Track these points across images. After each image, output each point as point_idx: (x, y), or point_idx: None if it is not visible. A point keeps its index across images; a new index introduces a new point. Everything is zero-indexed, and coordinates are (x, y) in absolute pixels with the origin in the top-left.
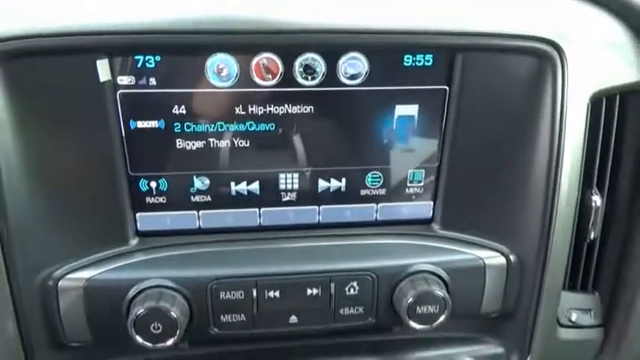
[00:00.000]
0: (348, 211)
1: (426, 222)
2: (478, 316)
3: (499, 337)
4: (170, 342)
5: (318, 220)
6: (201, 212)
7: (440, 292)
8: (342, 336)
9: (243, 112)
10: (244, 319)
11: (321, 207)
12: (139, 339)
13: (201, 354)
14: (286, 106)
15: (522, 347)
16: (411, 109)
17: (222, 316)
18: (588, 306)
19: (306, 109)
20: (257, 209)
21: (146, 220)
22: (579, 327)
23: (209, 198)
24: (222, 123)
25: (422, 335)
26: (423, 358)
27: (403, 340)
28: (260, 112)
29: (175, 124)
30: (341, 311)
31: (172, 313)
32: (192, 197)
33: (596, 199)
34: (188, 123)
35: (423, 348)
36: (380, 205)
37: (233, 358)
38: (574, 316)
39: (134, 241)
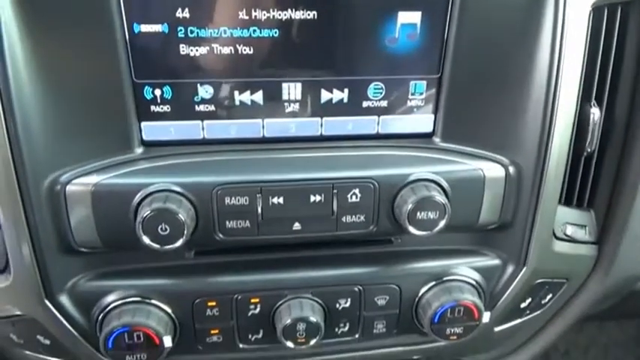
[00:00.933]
0: (350, 124)
1: (427, 135)
2: (476, 228)
3: (496, 249)
4: (177, 244)
5: (321, 132)
6: (205, 122)
7: (440, 197)
8: (342, 247)
9: (247, 17)
10: (249, 225)
11: (324, 119)
12: (146, 240)
13: (205, 263)
14: (290, 11)
15: (518, 258)
16: (414, 17)
17: (227, 222)
18: (583, 222)
19: (309, 15)
20: (260, 120)
21: (151, 129)
22: (574, 241)
23: (213, 107)
24: (226, 28)
25: (420, 247)
26: (421, 269)
27: (402, 251)
28: (264, 17)
29: (179, 28)
30: (343, 219)
31: (179, 215)
32: (196, 106)
33: (595, 112)
34: (192, 28)
35: (421, 260)
36: (382, 117)
37: (236, 269)
38: (569, 230)
39: (139, 150)
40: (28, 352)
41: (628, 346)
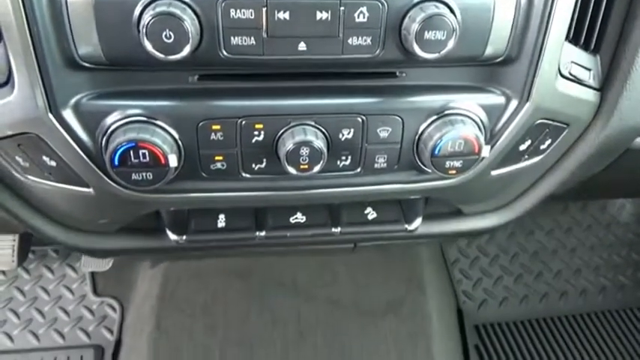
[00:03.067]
0: None
1: None
2: (481, 60)
3: (500, 86)
4: (182, 53)
5: None
6: None
7: (449, 16)
8: (347, 79)
9: None
10: (254, 42)
11: None
12: (149, 47)
13: (209, 88)
14: None
15: (522, 93)
16: None
17: (232, 38)
18: (589, 66)
19: None
20: None
21: None
22: (578, 82)
23: None
24: None
25: (424, 82)
26: (424, 102)
27: (406, 85)
28: None
29: None
30: (349, 40)
31: (183, 23)
32: None
33: None
34: None
35: (425, 94)
36: None
37: (240, 94)
38: (575, 70)
39: None
40: (34, 179)
41: (610, 227)
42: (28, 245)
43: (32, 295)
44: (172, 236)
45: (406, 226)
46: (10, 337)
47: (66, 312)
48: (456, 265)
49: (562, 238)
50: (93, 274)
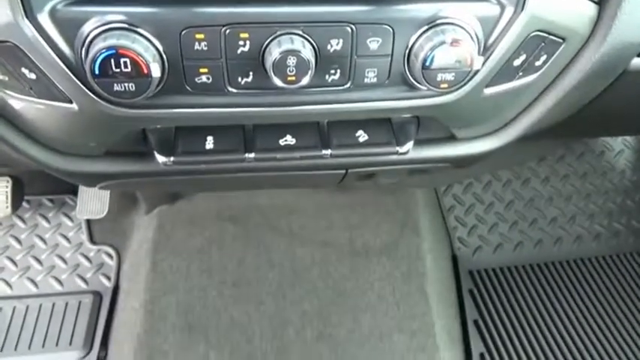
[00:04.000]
0: None
1: None
2: None
3: None
4: None
5: None
6: None
7: None
8: None
9: None
10: None
11: None
12: None
13: None
14: None
15: (517, 1)
16: None
17: None
18: None
19: None
20: None
21: None
22: None
23: None
24: None
25: None
26: (416, 10)
27: None
28: None
29: None
30: None
31: None
32: None
33: None
34: None
35: (417, 2)
36: None
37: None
38: None
39: None
40: (15, 95)
41: (606, 174)
42: (22, 192)
43: (29, 243)
44: (160, 158)
45: (397, 148)
46: (9, 284)
47: (63, 259)
48: (451, 212)
49: (558, 185)
50: (89, 223)
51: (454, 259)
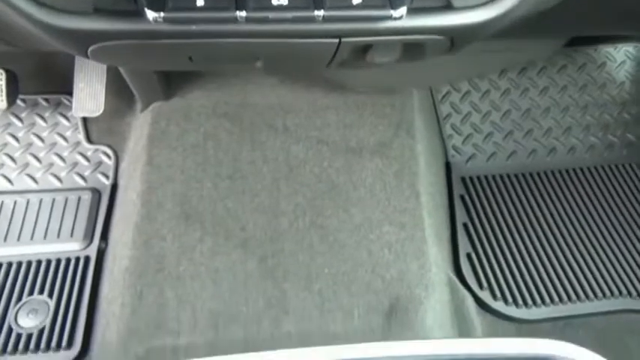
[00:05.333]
0: None
1: None
2: None
3: None
4: None
5: None
6: None
7: None
8: None
9: None
10: None
11: None
12: None
13: None
14: None
15: None
16: None
17: None
18: None
19: None
20: None
21: None
22: None
23: None
24: None
25: None
26: None
27: None
28: None
29: None
30: None
31: None
32: None
33: None
34: None
35: None
36: None
37: None
38: None
39: None
40: None
41: (605, 86)
42: (16, 88)
43: (26, 141)
44: (150, 14)
45: (391, 12)
46: (9, 180)
47: (61, 158)
48: (447, 120)
49: (556, 96)
50: (85, 123)
51: (448, 167)
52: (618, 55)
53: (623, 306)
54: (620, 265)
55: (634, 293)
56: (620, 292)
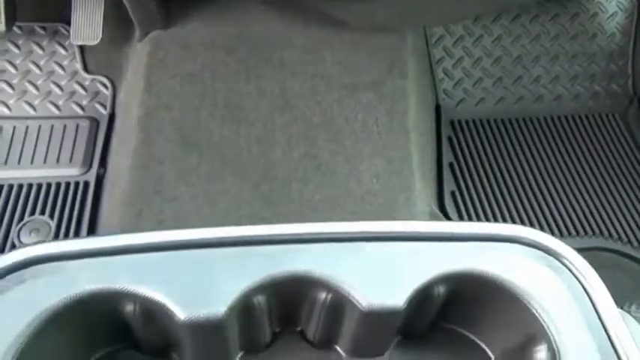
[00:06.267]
0: None
1: None
2: None
3: None
4: None
5: None
6: None
7: None
8: None
9: None
10: None
11: None
12: None
13: None
14: None
15: None
16: None
17: None
18: None
19: None
20: None
21: None
22: None
23: None
24: None
25: None
26: None
27: None
28: None
29: None
30: None
31: None
32: None
33: None
34: None
35: None
36: None
37: None
38: None
39: None
40: None
41: (595, 37)
42: (15, 11)
43: (24, 68)
44: None
45: None
46: (8, 106)
47: (59, 86)
48: (440, 64)
49: (547, 45)
50: (83, 53)
51: (438, 110)
52: (610, 6)
53: (596, 244)
54: (596, 207)
55: (606, 233)
56: (594, 232)
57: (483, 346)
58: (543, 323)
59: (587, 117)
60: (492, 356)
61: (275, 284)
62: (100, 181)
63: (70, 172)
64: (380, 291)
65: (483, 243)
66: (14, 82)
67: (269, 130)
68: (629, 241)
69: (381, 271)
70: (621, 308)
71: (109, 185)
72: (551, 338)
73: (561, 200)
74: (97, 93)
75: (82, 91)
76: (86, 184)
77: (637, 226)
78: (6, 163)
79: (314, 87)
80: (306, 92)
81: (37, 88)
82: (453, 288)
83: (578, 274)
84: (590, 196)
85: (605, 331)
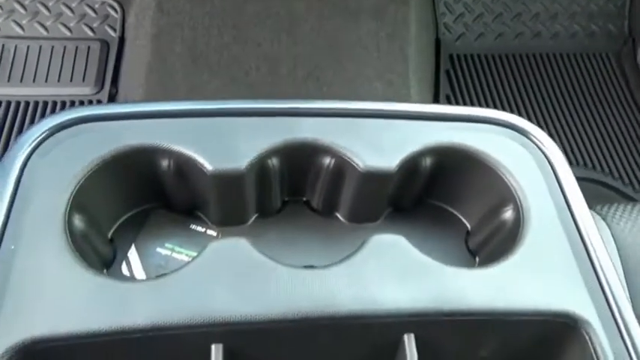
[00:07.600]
0: None
1: None
2: None
3: None
4: None
5: None
6: None
7: None
8: None
9: None
10: None
11: None
12: None
13: None
14: None
15: None
16: None
17: None
18: None
19: None
20: None
21: None
22: None
23: None
24: None
25: None
26: None
27: None
28: None
29: None
30: None
31: None
32: None
33: None
34: None
35: None
36: None
37: None
38: None
39: None
40: None
41: None
42: None
43: None
44: None
45: None
46: (21, 26)
47: (70, 8)
48: None
49: None
50: None
51: (437, 43)
52: None
53: (589, 175)
54: (590, 142)
55: (598, 168)
56: (585, 164)
57: (461, 217)
58: (512, 188)
59: (581, 55)
60: (469, 226)
61: (287, 149)
62: (112, 100)
63: (83, 90)
64: (376, 155)
65: (468, 124)
66: (26, 2)
67: (275, 49)
68: (630, 183)
69: (377, 140)
70: None
71: None
72: (518, 200)
73: (557, 133)
74: (107, 16)
75: (93, 14)
76: (99, 102)
77: (625, 162)
78: (21, 81)
79: (319, 11)
80: (311, 15)
81: (48, 9)
82: (438, 161)
83: (547, 151)
84: (586, 131)
85: (564, 196)
